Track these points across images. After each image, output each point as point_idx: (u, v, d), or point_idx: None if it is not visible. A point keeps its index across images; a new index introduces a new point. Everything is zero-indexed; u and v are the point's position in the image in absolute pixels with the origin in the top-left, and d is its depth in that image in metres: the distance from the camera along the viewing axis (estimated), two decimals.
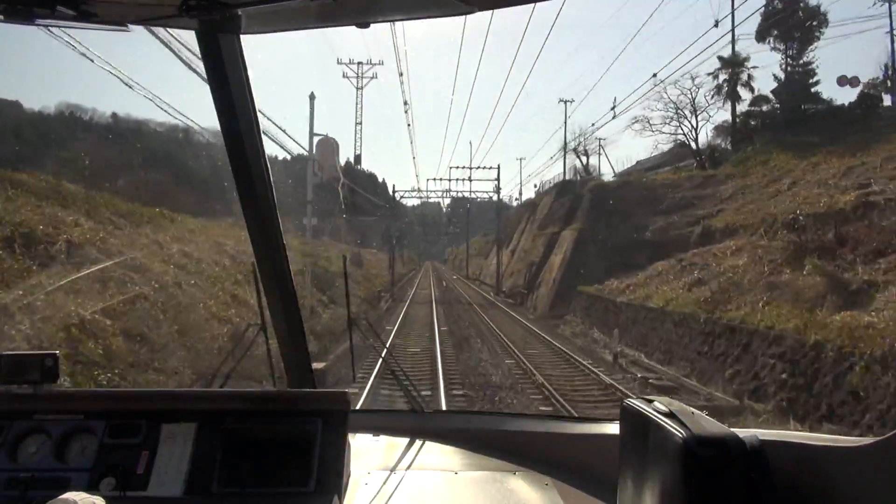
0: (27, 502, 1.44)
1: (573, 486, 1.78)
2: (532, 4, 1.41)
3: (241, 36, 1.54)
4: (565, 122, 42.60)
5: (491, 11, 1.39)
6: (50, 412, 1.66)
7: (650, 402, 1.39)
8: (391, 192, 48.10)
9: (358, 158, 53.27)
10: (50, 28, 1.33)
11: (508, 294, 36.86)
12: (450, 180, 45.81)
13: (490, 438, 2.08)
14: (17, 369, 1.66)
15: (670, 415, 1.26)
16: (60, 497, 1.18)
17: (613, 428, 1.81)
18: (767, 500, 1.17)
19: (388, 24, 1.58)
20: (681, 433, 1.17)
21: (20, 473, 1.53)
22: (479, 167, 47.55)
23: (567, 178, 40.22)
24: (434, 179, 56.23)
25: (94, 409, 1.68)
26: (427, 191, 51.07)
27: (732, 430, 1.22)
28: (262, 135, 1.70)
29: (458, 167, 48.41)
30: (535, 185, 51.20)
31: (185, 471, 1.56)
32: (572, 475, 1.83)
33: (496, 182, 44.79)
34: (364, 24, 1.44)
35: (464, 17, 1.35)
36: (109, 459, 1.57)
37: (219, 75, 1.54)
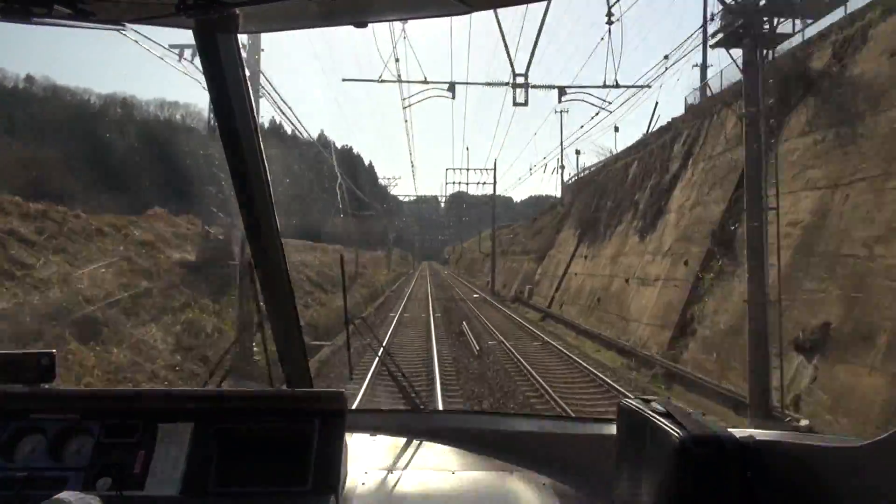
0: (23, 502, 1.44)
1: (570, 485, 1.78)
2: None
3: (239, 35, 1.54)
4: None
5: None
6: (46, 412, 1.66)
7: (647, 402, 1.40)
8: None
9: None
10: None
11: None
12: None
13: (487, 438, 2.08)
14: (12, 368, 1.65)
15: (667, 415, 1.27)
16: (56, 497, 1.18)
17: (610, 428, 1.82)
18: (763, 500, 1.17)
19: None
20: (677, 433, 1.18)
21: (16, 473, 1.53)
22: None
23: None
24: None
25: (90, 408, 1.68)
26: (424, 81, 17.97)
27: (729, 429, 1.23)
28: (260, 134, 1.70)
29: None
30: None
31: (181, 470, 1.56)
32: (569, 475, 1.84)
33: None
34: (362, 24, 1.44)
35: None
36: (105, 459, 1.57)
37: (216, 75, 1.54)
